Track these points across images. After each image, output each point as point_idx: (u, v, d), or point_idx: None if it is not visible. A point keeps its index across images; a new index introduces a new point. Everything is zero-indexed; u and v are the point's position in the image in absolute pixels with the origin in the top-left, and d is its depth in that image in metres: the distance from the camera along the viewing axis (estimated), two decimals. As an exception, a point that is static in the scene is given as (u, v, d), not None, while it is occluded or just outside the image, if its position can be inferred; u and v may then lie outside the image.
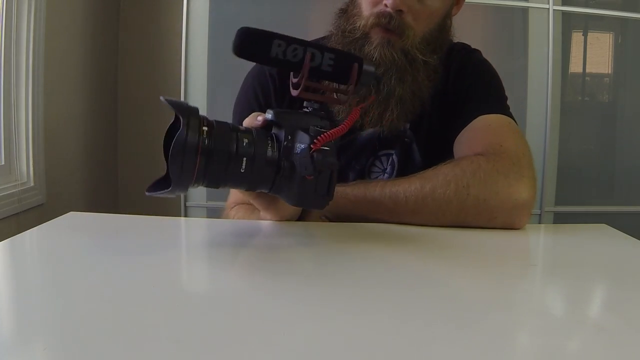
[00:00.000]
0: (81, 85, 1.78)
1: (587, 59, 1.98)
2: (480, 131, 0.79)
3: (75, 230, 0.65)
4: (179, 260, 0.56)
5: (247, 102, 0.89)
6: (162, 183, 0.53)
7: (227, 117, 0.93)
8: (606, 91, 2.09)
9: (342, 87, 0.59)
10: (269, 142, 0.55)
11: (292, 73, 0.58)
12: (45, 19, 1.48)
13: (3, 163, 1.41)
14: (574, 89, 2.03)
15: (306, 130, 0.55)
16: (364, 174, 0.88)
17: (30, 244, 0.61)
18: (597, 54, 1.98)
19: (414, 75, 0.81)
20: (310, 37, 0.96)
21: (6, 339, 0.36)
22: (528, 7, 1.82)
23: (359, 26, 0.80)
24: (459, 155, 0.80)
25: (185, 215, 1.80)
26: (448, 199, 0.69)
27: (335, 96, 0.60)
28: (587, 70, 2.00)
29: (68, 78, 1.71)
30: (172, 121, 0.53)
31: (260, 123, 0.58)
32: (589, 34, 1.99)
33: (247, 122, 0.61)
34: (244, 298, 0.44)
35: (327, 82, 0.59)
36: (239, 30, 0.56)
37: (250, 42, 0.56)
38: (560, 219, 1.90)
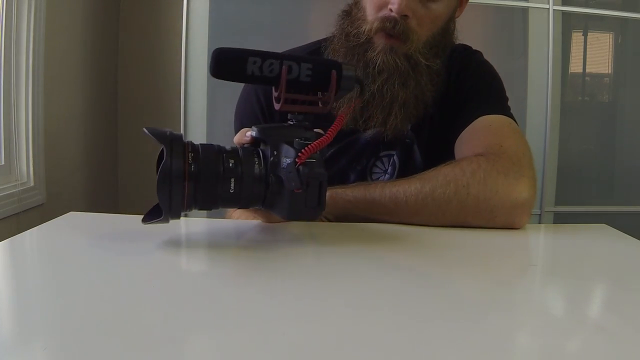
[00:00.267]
0: (81, 85, 1.78)
1: (587, 59, 1.98)
2: (481, 131, 0.79)
3: (75, 230, 0.65)
4: (179, 260, 0.56)
5: (250, 106, 0.89)
6: (157, 210, 0.54)
7: (228, 117, 0.94)
8: (606, 91, 2.09)
9: (326, 94, 0.59)
10: (256, 159, 0.56)
11: (273, 87, 0.59)
12: (45, 19, 1.48)
13: (3, 163, 1.41)
14: (574, 89, 2.03)
15: (291, 144, 0.55)
16: (365, 175, 0.88)
17: (30, 244, 0.61)
18: (597, 54, 1.98)
19: (417, 79, 0.81)
20: (310, 37, 0.96)
21: (6, 339, 0.36)
22: (528, 7, 1.82)
23: (364, 31, 0.80)
24: (460, 155, 0.80)
25: (185, 215, 1.80)
26: (448, 199, 0.69)
27: (319, 104, 0.60)
28: (587, 70, 2.00)
29: (68, 78, 1.71)
30: (161, 149, 0.53)
31: (249, 139, 0.59)
32: (589, 34, 1.98)
33: (237, 138, 0.61)
34: (244, 298, 0.44)
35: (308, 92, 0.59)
36: (214, 51, 0.56)
37: (226, 62, 0.56)
38: (560, 219, 1.90)
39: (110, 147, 1.99)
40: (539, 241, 0.72)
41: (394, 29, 0.77)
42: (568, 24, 1.90)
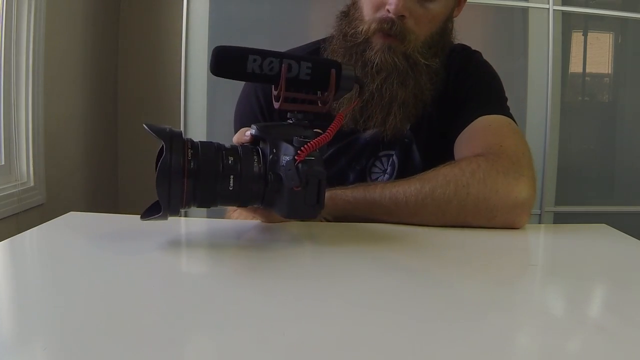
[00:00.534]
0: (81, 85, 1.78)
1: (587, 59, 1.98)
2: (480, 132, 0.79)
3: (75, 230, 0.65)
4: (179, 260, 0.56)
5: (249, 105, 0.89)
6: (156, 207, 0.54)
7: (228, 116, 0.94)
8: (606, 91, 2.09)
9: (325, 94, 0.59)
10: (255, 157, 0.56)
11: (272, 86, 0.59)
12: (45, 19, 1.48)
13: (3, 163, 1.41)
14: (574, 89, 2.03)
15: (290, 142, 0.55)
16: (364, 175, 0.88)
17: (30, 244, 0.61)
18: (597, 54, 1.98)
19: (416, 79, 0.82)
20: (310, 38, 0.96)
21: (6, 339, 0.36)
22: (528, 7, 1.81)
23: (361, 31, 0.80)
24: (459, 155, 0.80)
25: (185, 215, 1.80)
26: (448, 199, 0.69)
27: (318, 104, 0.60)
28: (587, 70, 2.00)
29: (68, 78, 1.71)
30: (160, 146, 0.53)
31: (248, 138, 0.59)
32: (589, 34, 1.98)
33: (236, 138, 0.61)
34: (244, 298, 0.44)
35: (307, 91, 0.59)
36: (214, 49, 0.56)
37: (226, 60, 0.57)
38: (560, 219, 1.90)
39: (110, 147, 1.99)
40: (539, 241, 0.72)
41: (391, 29, 0.78)
42: (568, 24, 1.90)
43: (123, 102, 2.02)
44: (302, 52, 0.92)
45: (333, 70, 0.58)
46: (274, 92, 0.59)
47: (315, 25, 1.73)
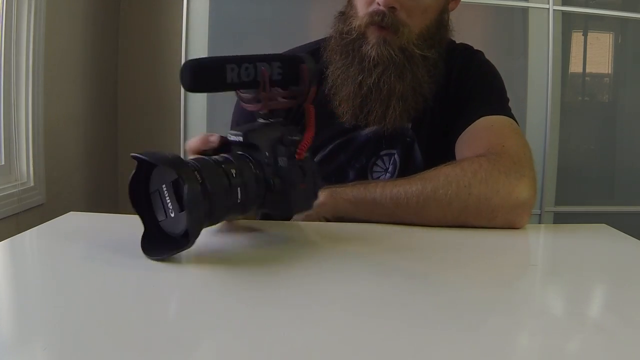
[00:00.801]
0: (81, 85, 1.78)
1: (587, 59, 1.98)
2: (482, 132, 0.80)
3: (75, 230, 0.65)
4: (179, 260, 0.56)
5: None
6: (154, 240, 0.52)
7: (227, 117, 0.94)
8: (606, 91, 2.09)
9: (294, 89, 0.59)
10: (250, 164, 0.55)
11: (238, 90, 0.58)
12: (45, 19, 1.48)
13: (3, 163, 1.41)
14: (574, 89, 2.03)
15: (280, 142, 0.55)
16: (365, 173, 0.88)
17: (30, 244, 0.61)
18: (597, 54, 1.98)
19: (414, 71, 0.82)
20: (310, 37, 0.97)
21: (6, 339, 0.36)
22: (528, 7, 1.81)
23: (355, 27, 0.82)
24: (461, 156, 0.80)
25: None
26: (449, 200, 0.69)
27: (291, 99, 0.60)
28: (587, 70, 2.00)
29: (68, 78, 1.71)
30: (133, 172, 0.51)
31: (216, 144, 0.58)
32: (589, 34, 1.98)
33: (198, 144, 0.59)
34: (243, 299, 0.44)
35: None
36: (187, 64, 0.54)
37: (204, 73, 0.55)
38: (560, 219, 1.90)
39: (110, 147, 1.99)
40: (539, 241, 0.72)
41: (383, 21, 0.79)
42: (568, 24, 1.90)
43: (123, 102, 2.02)
44: (303, 51, 0.92)
45: (304, 65, 0.58)
46: (246, 96, 0.58)
47: (315, 25, 1.73)
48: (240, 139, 0.56)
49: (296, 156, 0.54)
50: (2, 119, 1.39)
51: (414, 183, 0.70)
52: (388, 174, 0.88)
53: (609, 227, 0.73)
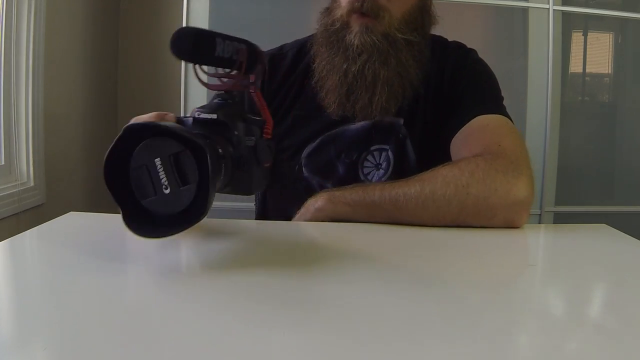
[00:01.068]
0: (81, 85, 1.78)
1: (587, 59, 1.98)
2: (478, 132, 0.80)
3: (75, 230, 0.65)
4: (179, 260, 0.56)
5: None
6: (140, 221, 0.48)
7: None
8: (606, 91, 2.09)
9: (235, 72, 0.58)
10: (224, 140, 0.54)
11: (197, 66, 0.56)
12: (45, 19, 1.48)
13: (3, 163, 1.41)
14: (574, 89, 2.03)
15: (245, 121, 0.56)
16: (356, 168, 0.88)
17: (30, 244, 0.61)
18: (597, 54, 1.98)
19: (397, 56, 0.83)
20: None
21: (6, 339, 0.36)
22: (528, 7, 1.81)
23: (338, 16, 0.83)
24: (457, 155, 0.80)
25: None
26: (448, 200, 0.69)
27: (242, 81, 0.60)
28: (587, 70, 2.00)
29: (68, 78, 1.71)
30: (111, 146, 0.48)
31: (174, 122, 0.58)
32: (589, 34, 1.98)
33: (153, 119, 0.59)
34: (244, 298, 0.44)
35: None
36: (186, 30, 0.53)
37: (203, 43, 0.53)
38: (560, 219, 1.90)
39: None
40: (539, 241, 0.72)
41: (362, 7, 0.80)
42: (568, 24, 1.89)
43: (123, 102, 2.02)
44: (291, 47, 0.93)
45: (258, 48, 0.58)
46: (208, 72, 0.56)
47: (315, 25, 1.73)
48: (214, 116, 0.54)
49: (264, 135, 0.55)
50: (2, 119, 1.39)
51: (412, 185, 0.70)
52: (381, 170, 0.87)
53: (609, 227, 0.73)
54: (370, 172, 0.88)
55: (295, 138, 0.89)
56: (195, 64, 0.55)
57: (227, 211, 1.60)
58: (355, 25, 0.81)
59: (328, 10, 0.87)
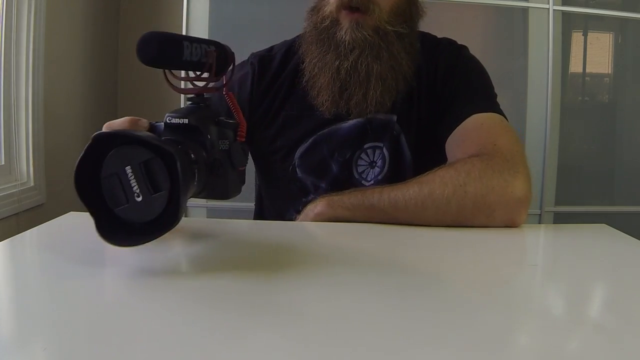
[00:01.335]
0: (81, 85, 1.78)
1: (587, 59, 1.98)
2: (473, 131, 0.80)
3: (75, 230, 0.65)
4: (179, 260, 0.56)
5: (244, 93, 0.91)
6: (114, 229, 0.48)
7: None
8: (606, 91, 2.09)
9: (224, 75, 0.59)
10: (197, 145, 0.53)
11: (167, 71, 0.55)
12: (45, 19, 1.48)
13: (3, 163, 1.41)
14: (574, 89, 2.03)
15: (218, 124, 0.55)
16: (350, 167, 0.88)
17: (30, 244, 0.61)
18: (597, 54, 1.98)
19: (389, 49, 0.83)
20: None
21: (6, 339, 0.36)
22: (528, 7, 1.81)
23: (327, 13, 0.83)
24: (453, 156, 0.80)
25: (185, 215, 1.79)
26: (447, 200, 0.69)
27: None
28: (587, 70, 2.00)
29: (68, 78, 1.71)
30: (81, 156, 0.47)
31: (146, 127, 0.58)
32: (589, 34, 1.98)
33: (126, 126, 0.59)
34: (244, 299, 0.44)
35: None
36: (150, 35, 0.51)
37: (168, 47, 0.52)
38: (560, 219, 1.90)
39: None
40: (539, 241, 0.72)
41: (352, 1, 0.79)
42: (568, 24, 1.89)
43: (123, 102, 2.02)
44: (280, 48, 0.93)
45: (229, 50, 0.57)
46: (178, 76, 0.56)
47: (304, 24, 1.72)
48: (186, 121, 0.53)
49: (238, 139, 0.55)
50: (2, 119, 1.39)
51: (410, 187, 0.70)
52: (377, 168, 0.87)
53: (609, 227, 0.73)
54: (365, 170, 0.88)
55: (287, 139, 0.89)
56: (163, 68, 0.54)
57: (227, 211, 1.60)
58: (345, 21, 0.81)
59: (316, 9, 0.86)
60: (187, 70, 0.56)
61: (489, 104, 0.84)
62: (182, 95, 1.74)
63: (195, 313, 0.41)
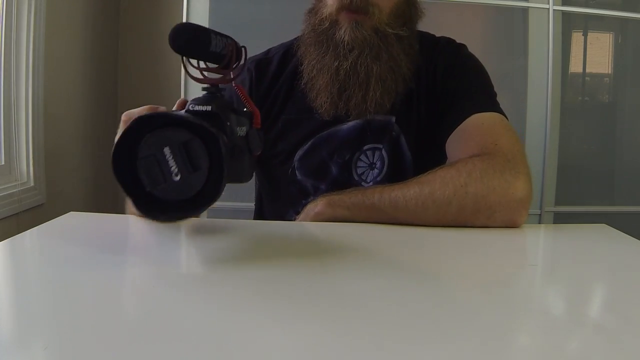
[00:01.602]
0: (81, 85, 1.78)
1: (587, 59, 1.98)
2: (473, 131, 0.79)
3: (75, 230, 0.65)
4: (179, 260, 0.56)
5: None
6: (152, 207, 0.50)
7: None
8: (606, 91, 2.09)
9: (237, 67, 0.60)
10: (221, 132, 0.54)
11: (185, 60, 0.57)
12: (45, 19, 1.48)
13: (3, 163, 1.41)
14: (574, 89, 2.03)
15: (235, 112, 0.57)
16: (349, 169, 0.87)
17: (30, 244, 0.61)
18: (597, 54, 1.98)
19: (389, 51, 0.82)
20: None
21: (6, 339, 0.36)
22: (528, 7, 1.81)
23: (326, 15, 0.82)
24: (454, 155, 0.80)
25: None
26: (448, 200, 0.69)
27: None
28: (587, 70, 2.00)
29: (68, 78, 1.71)
30: (119, 137, 0.50)
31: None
32: (589, 34, 1.98)
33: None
34: (244, 299, 0.44)
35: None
36: (185, 25, 0.54)
37: (199, 36, 0.54)
38: (560, 219, 1.90)
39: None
40: (539, 241, 0.72)
41: (352, 3, 0.79)
42: (568, 24, 1.89)
43: (123, 102, 2.02)
44: (278, 50, 0.93)
45: (240, 45, 0.59)
46: (197, 66, 0.57)
47: (302, 26, 1.73)
48: (209, 108, 0.55)
49: (254, 125, 0.57)
50: (2, 119, 1.39)
51: (411, 187, 0.70)
52: (376, 170, 0.87)
53: (609, 227, 0.73)
54: (364, 171, 0.87)
55: (287, 142, 0.88)
56: (192, 58, 0.56)
57: (227, 211, 1.60)
58: (345, 22, 0.80)
59: (314, 11, 0.86)
60: (210, 61, 0.57)
61: (489, 103, 0.84)
62: (183, 94, 1.74)
63: (194, 313, 0.41)
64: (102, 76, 1.92)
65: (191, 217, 0.50)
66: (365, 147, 0.87)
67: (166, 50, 0.54)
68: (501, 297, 0.47)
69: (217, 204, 0.52)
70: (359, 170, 0.87)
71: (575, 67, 1.98)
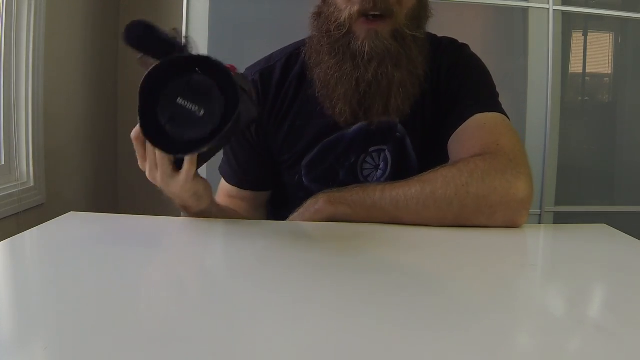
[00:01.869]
0: (81, 85, 1.78)
1: (587, 59, 1.98)
2: (475, 131, 0.79)
3: (75, 230, 0.65)
4: (179, 260, 0.56)
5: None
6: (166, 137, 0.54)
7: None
8: (606, 91, 2.09)
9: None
10: None
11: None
12: (45, 19, 1.48)
13: (3, 163, 1.41)
14: (574, 89, 2.03)
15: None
16: (355, 171, 0.87)
17: (30, 244, 0.61)
18: (597, 54, 1.98)
19: (408, 54, 0.81)
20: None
21: (6, 339, 0.36)
22: (528, 7, 1.81)
23: (344, 20, 0.78)
24: (455, 155, 0.80)
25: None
26: (449, 200, 0.69)
27: None
28: (587, 70, 2.00)
29: (68, 78, 1.71)
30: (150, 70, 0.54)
31: None
32: (589, 34, 1.98)
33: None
34: (245, 299, 0.44)
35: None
36: (136, 22, 0.58)
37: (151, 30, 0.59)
38: (560, 219, 1.90)
39: (110, 147, 1.99)
40: (539, 241, 0.72)
41: (375, 7, 0.76)
42: (568, 24, 1.89)
43: (123, 102, 2.02)
44: (281, 55, 0.91)
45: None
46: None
47: (309, 29, 1.72)
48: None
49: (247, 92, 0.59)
50: (2, 119, 1.39)
51: (412, 185, 0.70)
52: (379, 171, 0.87)
53: (609, 227, 0.73)
54: (370, 173, 0.87)
55: (294, 149, 0.88)
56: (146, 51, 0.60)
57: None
58: (361, 31, 0.78)
59: (322, 16, 0.83)
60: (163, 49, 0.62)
61: (492, 103, 0.84)
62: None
63: (194, 312, 0.41)
64: (102, 76, 1.92)
65: (225, 137, 0.53)
66: (371, 149, 0.87)
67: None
68: (501, 297, 0.47)
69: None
70: (365, 172, 0.87)
71: (575, 67, 1.98)
